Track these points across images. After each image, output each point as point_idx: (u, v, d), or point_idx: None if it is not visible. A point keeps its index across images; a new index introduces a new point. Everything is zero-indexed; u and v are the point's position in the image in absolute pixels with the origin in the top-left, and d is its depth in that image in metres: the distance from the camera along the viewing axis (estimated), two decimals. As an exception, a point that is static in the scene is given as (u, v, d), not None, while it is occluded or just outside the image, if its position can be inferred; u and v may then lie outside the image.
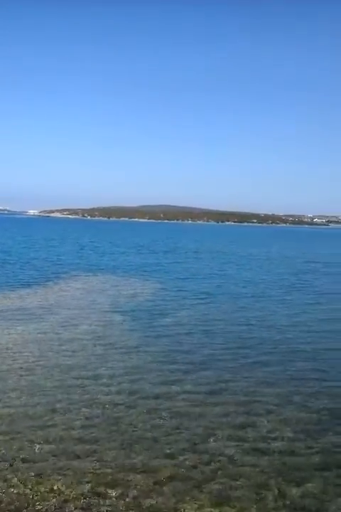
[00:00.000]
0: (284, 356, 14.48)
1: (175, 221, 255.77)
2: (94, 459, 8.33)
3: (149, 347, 15.15)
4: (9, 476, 7.63)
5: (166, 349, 14.92)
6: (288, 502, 7.25)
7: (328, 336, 17.19)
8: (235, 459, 8.44)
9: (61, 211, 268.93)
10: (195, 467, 8.14)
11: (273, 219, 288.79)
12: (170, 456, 8.49)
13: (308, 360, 14.08)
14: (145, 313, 20.17)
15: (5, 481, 7.50)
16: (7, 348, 14.45)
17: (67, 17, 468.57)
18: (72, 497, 7.19)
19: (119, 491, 7.37)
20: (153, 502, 7.15)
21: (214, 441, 9.07)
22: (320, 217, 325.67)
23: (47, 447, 8.62)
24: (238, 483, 7.69)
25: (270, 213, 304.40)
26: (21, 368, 12.76)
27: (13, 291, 24.47)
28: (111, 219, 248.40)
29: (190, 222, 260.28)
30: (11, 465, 7.97)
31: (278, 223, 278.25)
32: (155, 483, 7.66)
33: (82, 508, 6.95)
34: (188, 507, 7.05)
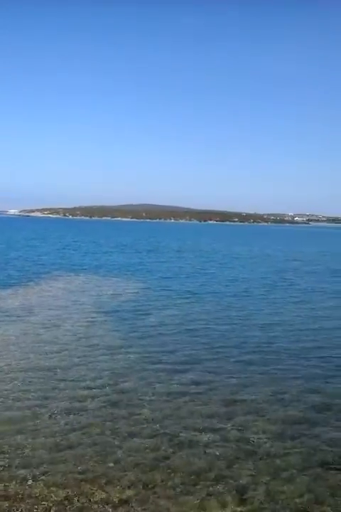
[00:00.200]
0: (268, 355, 14.49)
1: (158, 220, 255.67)
2: (76, 461, 8.18)
3: (132, 347, 15.01)
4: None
5: (150, 349, 14.80)
6: (275, 501, 7.21)
7: (311, 334, 17.28)
8: (220, 459, 8.36)
9: (42, 210, 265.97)
10: (179, 469, 8.04)
11: (255, 218, 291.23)
12: (155, 458, 8.37)
13: (292, 359, 14.12)
14: (129, 313, 20.01)
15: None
16: (-13, 351, 14.13)
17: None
18: (56, 501, 7.06)
19: (103, 494, 7.25)
20: (137, 505, 7.05)
21: (199, 442, 8.97)
22: (300, 215, 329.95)
23: (28, 452, 8.42)
24: (223, 484, 7.62)
25: (251, 212, 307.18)
26: (1, 371, 12.47)
27: (-7, 291, 24.00)
28: (93, 218, 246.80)
29: (172, 221, 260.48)
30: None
31: (259, 222, 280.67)
32: (138, 486, 7.54)
33: (62, 502, 6.94)
34: (173, 509, 6.96)
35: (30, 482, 7.51)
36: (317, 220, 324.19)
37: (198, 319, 19.18)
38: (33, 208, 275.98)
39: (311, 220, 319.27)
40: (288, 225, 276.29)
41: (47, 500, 7.08)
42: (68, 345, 15.06)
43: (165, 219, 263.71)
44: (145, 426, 9.61)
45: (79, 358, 13.79)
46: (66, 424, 9.57)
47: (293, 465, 8.24)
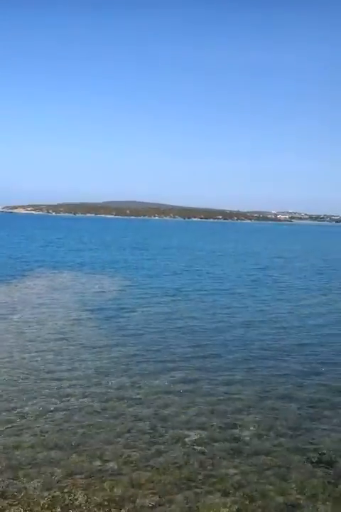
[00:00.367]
0: (253, 352, 14.50)
1: (142, 217, 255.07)
2: (61, 461, 8.05)
3: (117, 345, 14.88)
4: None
5: (134, 347, 14.69)
6: (263, 499, 7.19)
7: (295, 331, 17.38)
8: (207, 457, 8.31)
9: (25, 207, 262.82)
10: (166, 467, 7.97)
11: (238, 215, 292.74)
12: (141, 457, 8.27)
13: (276, 356, 14.16)
14: (113, 311, 19.86)
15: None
16: (-31, 349, 13.86)
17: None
18: (42, 502, 6.94)
19: (88, 495, 7.14)
20: (123, 506, 6.96)
21: (186, 440, 8.90)
22: (283, 213, 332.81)
23: (12, 453, 8.25)
24: (211, 482, 7.57)
25: (235, 210, 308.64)
26: (-16, 369, 12.24)
27: (-26, 289, 23.58)
28: (76, 215, 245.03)
29: (156, 218, 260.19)
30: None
31: (243, 219, 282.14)
32: (124, 486, 7.45)
33: (47, 506, 6.83)
34: (161, 508, 6.89)
35: (14, 482, 7.36)
36: (300, 218, 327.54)
37: (183, 317, 19.13)
38: (16, 204, 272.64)
39: (294, 218, 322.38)
40: (271, 222, 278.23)
41: (32, 500, 6.94)
42: (52, 343, 14.85)
43: (149, 216, 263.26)
44: (131, 424, 9.51)
45: (63, 356, 13.61)
46: (50, 423, 9.41)
47: (280, 462, 8.23)
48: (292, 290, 27.20)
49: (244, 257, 48.76)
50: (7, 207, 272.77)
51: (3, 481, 7.42)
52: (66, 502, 6.98)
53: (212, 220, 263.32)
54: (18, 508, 6.80)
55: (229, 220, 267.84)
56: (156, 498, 7.13)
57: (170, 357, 13.80)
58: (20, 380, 11.60)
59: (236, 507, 7.01)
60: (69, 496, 7.10)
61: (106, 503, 7.01)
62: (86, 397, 10.79)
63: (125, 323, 17.86)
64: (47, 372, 12.22)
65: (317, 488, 7.53)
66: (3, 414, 9.75)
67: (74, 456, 8.27)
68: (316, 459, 8.36)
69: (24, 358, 13.27)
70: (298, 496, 7.29)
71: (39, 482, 7.41)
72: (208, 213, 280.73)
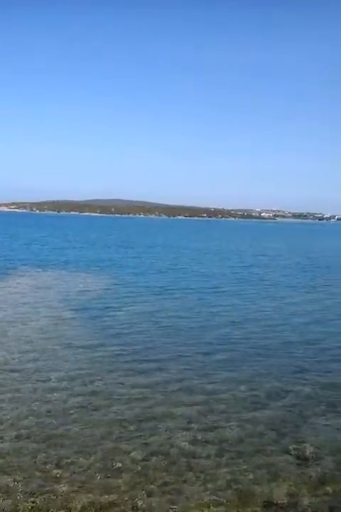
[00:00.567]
0: (238, 351, 14.50)
1: (127, 215, 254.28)
2: (44, 459, 7.97)
3: (102, 345, 14.73)
4: None
5: (119, 346, 14.55)
6: (251, 500, 7.16)
7: (280, 329, 17.45)
8: (195, 459, 8.25)
9: (8, 205, 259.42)
10: (153, 470, 7.88)
11: (223, 213, 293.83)
12: (127, 460, 8.17)
13: (261, 355, 14.18)
14: (98, 310, 19.68)
15: None
16: None
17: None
18: (22, 498, 6.91)
19: (72, 498, 7.04)
20: (107, 500, 6.97)
21: (173, 442, 8.81)
22: (267, 211, 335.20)
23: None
24: (199, 484, 7.52)
25: (220, 207, 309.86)
26: (-34, 370, 11.99)
27: None
28: (61, 213, 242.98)
29: (141, 216, 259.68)
30: None
31: (227, 217, 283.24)
32: (109, 482, 7.42)
33: (31, 509, 6.74)
34: (148, 511, 6.84)
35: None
36: (283, 216, 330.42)
37: (169, 315, 19.05)
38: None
39: (278, 216, 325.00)
40: (255, 220, 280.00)
41: (15, 506, 6.80)
42: (35, 342, 14.65)
43: (134, 214, 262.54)
44: (116, 425, 9.41)
45: (47, 356, 13.42)
46: (33, 425, 9.25)
47: (267, 461, 8.22)
48: (277, 288, 27.35)
49: (228, 255, 48.91)
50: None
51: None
52: (49, 504, 6.86)
53: (196, 218, 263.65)
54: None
55: (214, 218, 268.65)
56: (143, 499, 7.06)
57: (155, 356, 13.70)
58: (3, 380, 11.39)
59: (224, 507, 6.97)
60: (52, 498, 6.98)
61: (91, 504, 6.91)
62: (70, 396, 10.64)
63: (110, 322, 17.72)
64: (30, 372, 12.02)
65: (304, 486, 7.53)
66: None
67: (56, 458, 8.12)
68: (303, 457, 8.37)
69: (6, 357, 13.04)
70: (285, 495, 7.28)
71: (22, 486, 7.26)
72: (193, 211, 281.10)
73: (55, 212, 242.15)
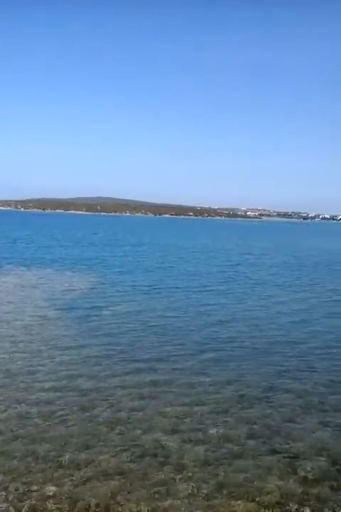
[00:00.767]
0: (224, 350, 14.48)
1: (113, 213, 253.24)
2: (28, 457, 7.91)
3: (88, 344, 14.56)
4: None
5: (106, 346, 14.40)
6: (241, 502, 7.10)
7: (266, 328, 17.49)
8: (182, 462, 8.16)
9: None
10: (140, 472, 7.77)
11: (209, 212, 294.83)
12: (114, 462, 8.06)
13: (250, 356, 14.17)
14: (84, 309, 19.47)
15: None
16: None
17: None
18: (5, 496, 6.84)
19: (54, 488, 7.04)
20: (90, 499, 6.90)
21: (159, 445, 8.72)
22: (252, 210, 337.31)
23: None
24: (186, 487, 7.42)
25: (206, 206, 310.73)
26: None
27: None
28: (46, 211, 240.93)
29: (127, 214, 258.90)
30: None
31: (213, 216, 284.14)
32: (92, 479, 7.36)
33: (14, 507, 6.67)
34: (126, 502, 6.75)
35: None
36: (269, 215, 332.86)
37: (156, 315, 18.93)
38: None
39: (263, 215, 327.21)
40: (241, 219, 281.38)
41: (6, 509, 6.63)
42: (20, 342, 14.42)
43: (120, 212, 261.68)
44: (101, 426, 9.30)
45: (31, 355, 13.21)
46: (18, 427, 9.07)
47: (255, 462, 8.17)
48: (263, 287, 27.42)
49: (215, 254, 48.97)
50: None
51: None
52: (36, 505, 6.76)
53: (182, 216, 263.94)
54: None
55: (200, 217, 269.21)
56: (128, 503, 6.96)
57: (142, 356, 13.58)
58: (-13, 382, 11.16)
59: (212, 508, 6.91)
60: (38, 503, 6.84)
61: (79, 506, 6.82)
62: (55, 397, 10.48)
63: (96, 321, 17.53)
64: (15, 372, 11.82)
65: (293, 486, 7.50)
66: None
67: (41, 462, 7.98)
68: (291, 459, 8.33)
69: (-9, 359, 12.80)
70: (274, 497, 7.23)
71: (3, 474, 7.11)
72: (179, 210, 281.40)
73: (40, 210, 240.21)
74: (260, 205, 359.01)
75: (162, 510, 6.84)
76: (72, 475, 7.56)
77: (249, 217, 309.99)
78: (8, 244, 49.62)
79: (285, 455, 8.39)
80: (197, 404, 10.35)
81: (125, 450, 8.36)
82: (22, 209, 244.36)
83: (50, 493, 7.04)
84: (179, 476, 7.63)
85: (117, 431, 9.05)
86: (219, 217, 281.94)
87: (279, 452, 8.48)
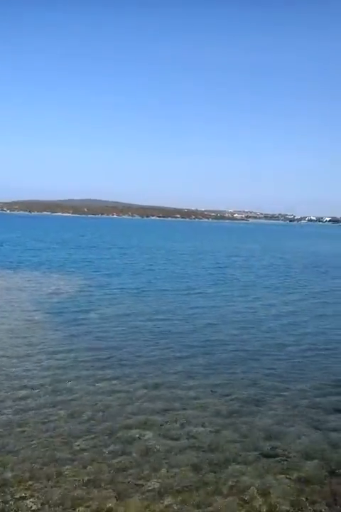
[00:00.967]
0: (210, 350, 14.50)
1: (100, 215, 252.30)
2: (15, 465, 7.75)
3: (76, 348, 14.40)
4: None
5: (94, 350, 14.24)
6: (218, 493, 7.05)
7: (252, 329, 17.53)
8: (164, 454, 8.13)
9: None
10: (123, 468, 7.71)
11: (196, 214, 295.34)
12: (98, 458, 8.05)
13: (232, 354, 14.20)
14: (72, 312, 19.28)
15: None
16: None
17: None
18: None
19: (42, 499, 6.91)
20: (78, 500, 6.88)
21: (144, 444, 8.64)
22: (239, 212, 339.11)
23: None
24: (170, 483, 7.36)
25: (193, 208, 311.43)
26: None
27: None
28: (32, 213, 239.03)
29: (114, 216, 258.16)
30: None
31: (200, 218, 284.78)
32: (80, 489, 7.22)
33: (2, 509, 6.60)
34: (119, 509, 6.65)
35: None
36: (255, 217, 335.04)
37: (144, 318, 18.79)
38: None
39: (250, 217, 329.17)
40: (228, 221, 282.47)
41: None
42: (5, 344, 14.25)
43: (107, 214, 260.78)
44: (87, 426, 9.24)
45: (18, 360, 13.00)
46: (4, 426, 8.97)
47: (237, 460, 8.21)
48: (251, 289, 27.45)
49: (203, 256, 49.01)
50: None
51: None
52: (19, 507, 6.71)
53: (170, 218, 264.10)
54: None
55: (187, 219, 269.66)
56: (113, 500, 6.98)
57: (130, 360, 13.44)
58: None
59: (194, 507, 6.91)
60: (22, 501, 6.83)
61: (62, 505, 6.80)
62: (42, 400, 10.38)
63: (84, 325, 17.35)
64: (1, 378, 11.60)
65: (272, 480, 7.57)
66: None
67: (26, 459, 7.94)
68: (282, 462, 8.30)
69: (-23, 364, 12.57)
70: (255, 494, 7.26)
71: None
72: (166, 212, 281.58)
73: (27, 213, 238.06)
74: (246, 207, 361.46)
75: (143, 505, 6.89)
76: (57, 479, 7.43)
77: (235, 219, 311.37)
78: (-6, 246, 49.03)
79: (276, 459, 8.35)
80: (186, 409, 10.26)
81: (111, 456, 8.24)
82: (8, 211, 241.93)
83: (33, 498, 6.94)
84: (168, 481, 7.54)
85: (106, 436, 8.92)
86: (206, 220, 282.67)
87: (270, 456, 8.43)
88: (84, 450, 8.37)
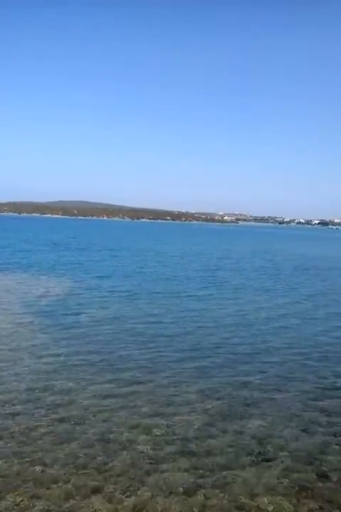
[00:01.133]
0: (200, 352, 14.46)
1: (90, 217, 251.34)
2: (4, 473, 7.60)
3: (62, 348, 14.32)
4: None
5: (84, 354, 14.09)
6: (214, 501, 6.99)
7: (241, 331, 17.52)
8: (156, 462, 8.02)
9: None
10: (113, 472, 7.65)
11: (186, 216, 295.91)
12: (87, 462, 7.97)
13: (222, 355, 14.19)
14: (61, 315, 19.08)
15: None
16: None
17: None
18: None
19: (31, 504, 6.82)
20: (67, 506, 6.78)
21: (135, 446, 8.56)
22: (229, 215, 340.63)
23: None
24: (161, 486, 7.29)
25: (183, 210, 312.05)
26: None
27: None
28: (22, 215, 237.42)
29: (105, 218, 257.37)
30: None
31: (190, 220, 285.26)
32: (71, 494, 7.13)
33: None
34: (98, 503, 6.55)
35: None
36: (245, 220, 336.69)
37: (135, 321, 18.66)
38: None
39: (239, 219, 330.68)
40: (218, 223, 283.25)
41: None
42: (-5, 350, 14.00)
43: (97, 216, 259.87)
44: (77, 429, 9.14)
45: (6, 364, 12.80)
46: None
47: (227, 462, 8.21)
48: (243, 292, 27.42)
49: (194, 258, 49.00)
50: None
51: None
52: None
53: (160, 220, 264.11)
54: None
55: (178, 221, 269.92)
56: (105, 504, 6.90)
57: (120, 364, 13.32)
58: None
59: (186, 509, 6.87)
60: (12, 507, 6.72)
61: (37, 502, 6.84)
62: (30, 402, 10.25)
63: (73, 328, 17.16)
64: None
65: (264, 485, 7.54)
66: None
67: (12, 463, 7.85)
68: (262, 457, 8.36)
69: None
70: (247, 499, 7.21)
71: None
72: (156, 214, 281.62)
73: (16, 214, 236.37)
74: (236, 209, 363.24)
75: (135, 509, 6.85)
76: (46, 482, 7.32)
77: (225, 221, 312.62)
78: (-17, 248, 48.52)
79: (267, 463, 8.30)
80: (177, 413, 10.17)
81: (104, 461, 8.13)
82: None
83: (22, 494, 6.86)
84: (159, 486, 7.45)
85: (96, 441, 8.80)
86: (197, 222, 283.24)
87: (261, 460, 8.38)
88: (73, 455, 8.25)
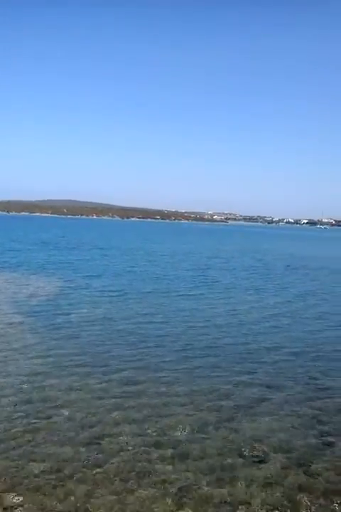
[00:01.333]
0: (191, 352, 14.42)
1: (79, 216, 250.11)
2: None
3: (52, 349, 14.19)
4: None
5: (71, 350, 14.05)
6: (205, 502, 6.95)
7: (233, 330, 17.53)
8: (148, 464, 7.99)
9: None
10: (105, 477, 7.56)
11: (176, 216, 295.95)
12: (78, 468, 7.85)
13: (213, 355, 14.19)
14: (51, 315, 18.92)
15: None
16: None
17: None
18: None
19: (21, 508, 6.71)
20: (51, 504, 6.80)
21: (125, 448, 8.51)
22: (219, 214, 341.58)
23: None
24: (152, 488, 7.24)
25: (173, 210, 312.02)
26: None
27: None
28: (10, 213, 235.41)
29: (94, 217, 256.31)
30: None
31: (180, 220, 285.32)
32: (59, 497, 7.04)
33: None
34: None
35: None
36: (235, 219, 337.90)
37: (126, 321, 18.58)
38: None
39: (229, 219, 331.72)
40: (207, 223, 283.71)
41: None
42: (-16, 351, 13.82)
43: (87, 215, 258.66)
44: (67, 431, 9.06)
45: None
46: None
47: (218, 462, 8.21)
48: (233, 291, 27.46)
49: (184, 257, 48.98)
50: None
51: None
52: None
53: (150, 219, 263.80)
54: None
55: (167, 220, 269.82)
56: (98, 506, 6.85)
57: (110, 364, 13.22)
58: None
59: (179, 510, 6.87)
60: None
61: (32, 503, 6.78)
62: (19, 403, 10.13)
63: (64, 328, 17.02)
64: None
65: (256, 485, 7.53)
66: None
67: (6, 468, 7.71)
68: (256, 463, 8.31)
69: None
70: (238, 496, 7.24)
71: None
72: (146, 213, 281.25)
73: (5, 213, 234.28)
74: (226, 209, 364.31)
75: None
76: (35, 481, 7.23)
77: (215, 220, 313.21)
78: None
79: (260, 465, 8.27)
80: (169, 415, 10.10)
81: (95, 465, 8.04)
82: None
83: (13, 502, 6.76)
84: (151, 490, 7.38)
85: (87, 444, 8.72)
86: (186, 221, 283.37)
87: (253, 463, 8.35)
88: (63, 458, 8.15)
